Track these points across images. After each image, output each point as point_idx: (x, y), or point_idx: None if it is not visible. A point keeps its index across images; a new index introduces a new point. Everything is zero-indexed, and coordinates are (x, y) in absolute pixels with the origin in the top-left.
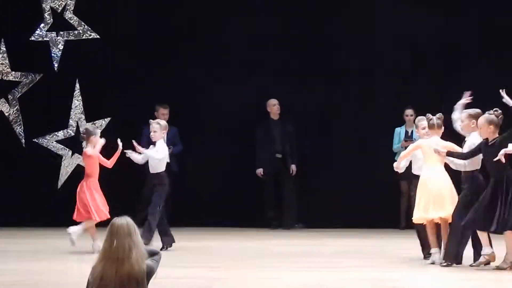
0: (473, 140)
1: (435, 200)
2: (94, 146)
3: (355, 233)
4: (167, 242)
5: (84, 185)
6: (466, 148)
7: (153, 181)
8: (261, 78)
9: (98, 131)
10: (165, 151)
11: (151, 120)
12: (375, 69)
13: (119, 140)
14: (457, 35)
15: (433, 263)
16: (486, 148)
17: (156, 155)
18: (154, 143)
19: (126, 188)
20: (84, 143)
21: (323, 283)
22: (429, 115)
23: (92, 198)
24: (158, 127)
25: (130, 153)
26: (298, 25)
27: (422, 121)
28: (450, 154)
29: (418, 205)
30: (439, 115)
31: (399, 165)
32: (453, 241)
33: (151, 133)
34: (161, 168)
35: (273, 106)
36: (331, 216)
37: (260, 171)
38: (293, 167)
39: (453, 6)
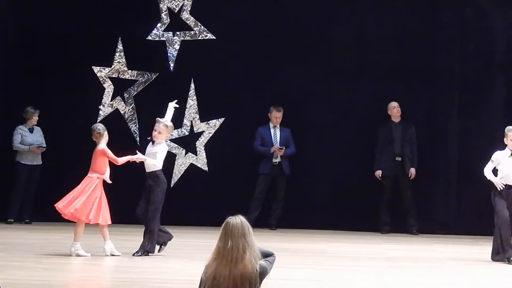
0: None
1: None
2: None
3: (467, 240)
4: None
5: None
6: None
7: (149, 180)
8: (378, 80)
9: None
10: (164, 155)
11: (158, 119)
12: (490, 71)
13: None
14: None
15: None
16: None
17: (159, 164)
18: (153, 142)
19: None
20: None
21: None
22: None
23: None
24: (165, 130)
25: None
26: (409, 27)
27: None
28: None
29: None
30: None
31: None
32: None
33: (156, 133)
34: (158, 167)
35: (393, 109)
36: (444, 221)
37: (378, 173)
38: (412, 171)
39: None
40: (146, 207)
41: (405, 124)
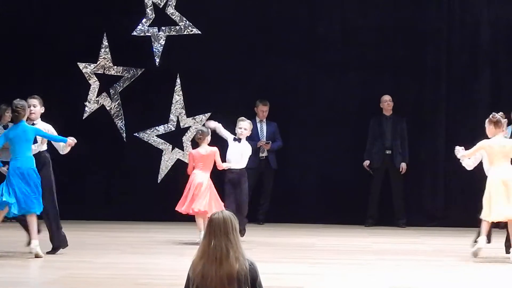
0: None
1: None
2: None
3: (455, 232)
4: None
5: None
6: None
7: (237, 176)
8: (364, 73)
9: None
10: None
11: (240, 118)
12: (476, 63)
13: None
14: None
15: None
16: None
17: (244, 163)
18: (239, 140)
19: None
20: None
21: (421, 281)
22: (495, 114)
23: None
24: (249, 127)
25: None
26: (394, 19)
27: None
28: None
29: (492, 203)
30: (501, 113)
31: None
32: None
33: (241, 130)
34: (243, 164)
35: (385, 102)
36: (432, 214)
37: (366, 163)
38: (403, 166)
39: None
40: (235, 201)
41: (396, 118)
